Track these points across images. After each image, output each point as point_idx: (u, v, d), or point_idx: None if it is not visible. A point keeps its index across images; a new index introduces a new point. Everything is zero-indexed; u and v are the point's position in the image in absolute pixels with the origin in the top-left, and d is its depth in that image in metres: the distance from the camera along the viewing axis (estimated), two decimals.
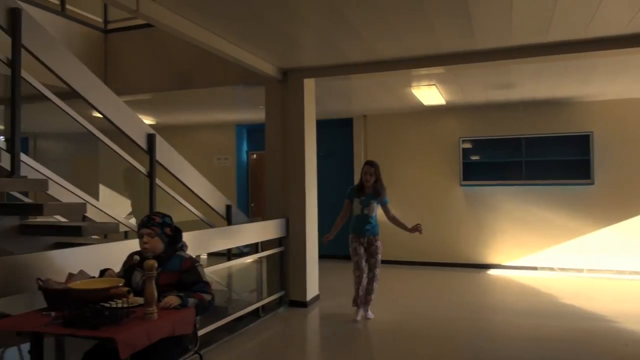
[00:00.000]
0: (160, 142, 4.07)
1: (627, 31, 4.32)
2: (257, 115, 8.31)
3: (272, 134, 5.74)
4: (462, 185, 8.04)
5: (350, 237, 4.96)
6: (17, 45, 2.90)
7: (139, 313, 2.28)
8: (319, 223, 5.94)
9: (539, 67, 5.51)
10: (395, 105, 7.86)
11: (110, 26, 6.45)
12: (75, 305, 2.24)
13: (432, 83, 6.24)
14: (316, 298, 5.85)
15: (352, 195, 5.00)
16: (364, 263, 4.88)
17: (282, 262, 5.64)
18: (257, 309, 5.15)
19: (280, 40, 4.61)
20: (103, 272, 2.63)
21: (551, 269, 7.59)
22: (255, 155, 9.86)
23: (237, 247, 5.09)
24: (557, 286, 6.66)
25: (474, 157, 8.01)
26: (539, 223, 7.63)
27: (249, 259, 5.26)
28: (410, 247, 7.99)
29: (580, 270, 7.41)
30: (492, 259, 7.93)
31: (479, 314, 5.33)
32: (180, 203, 4.45)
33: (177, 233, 2.73)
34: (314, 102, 5.84)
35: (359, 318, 4.99)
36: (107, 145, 3.68)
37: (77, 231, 3.24)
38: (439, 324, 4.95)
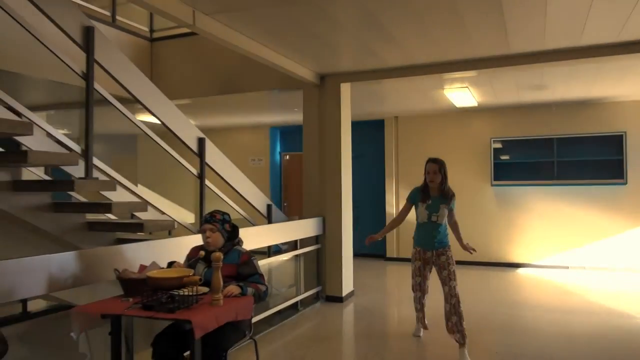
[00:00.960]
0: (209, 145, 4.36)
1: None
2: (291, 117, 8.62)
3: (309, 135, 6.00)
4: (493, 185, 8.14)
5: (413, 252, 4.23)
6: (90, 60, 3.22)
7: (206, 300, 2.55)
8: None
9: (571, 69, 5.60)
10: (427, 107, 8.01)
11: (156, 35, 6.81)
12: (150, 291, 2.53)
13: (464, 85, 6.39)
14: (351, 294, 6.08)
15: (416, 198, 4.14)
16: (426, 284, 4.22)
17: (319, 259, 5.89)
18: (296, 303, 5.41)
19: (319, 47, 4.85)
20: (170, 264, 2.92)
21: (583, 267, 7.63)
22: (288, 157, 10.15)
23: (275, 245, 5.35)
24: (588, 284, 6.72)
25: (505, 158, 8.11)
26: (570, 222, 7.68)
27: (288, 256, 5.51)
28: None
29: (613, 270, 7.44)
30: (523, 257, 8.01)
31: (512, 309, 5.47)
32: (226, 202, 4.74)
33: (235, 229, 3.00)
34: (349, 105, 6.07)
35: (420, 334, 4.50)
36: (162, 147, 3.99)
37: (139, 227, 3.55)
38: (473, 320, 5.11)
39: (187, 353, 2.76)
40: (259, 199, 5.26)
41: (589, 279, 7.11)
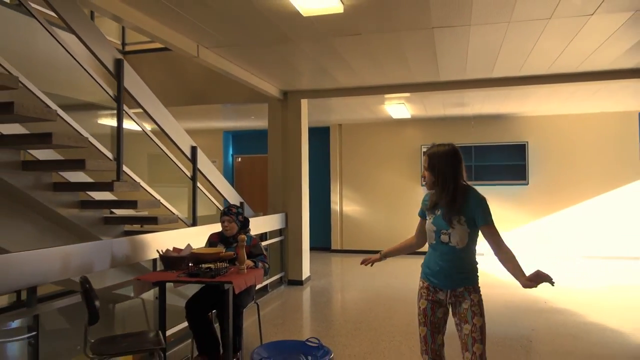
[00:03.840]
0: (200, 153, 5.21)
1: (549, 72, 5.84)
2: (245, 123, 9.50)
3: (274, 142, 6.95)
4: (422, 185, 9.51)
5: (419, 286, 2.66)
6: (120, 86, 4.01)
7: (233, 270, 3.48)
8: None
9: (486, 92, 6.99)
10: (368, 117, 9.22)
11: (128, 48, 7.44)
12: (190, 265, 3.42)
13: (401, 102, 7.64)
14: (309, 278, 7.12)
15: (423, 209, 2.66)
16: (440, 337, 2.61)
17: (282, 248, 6.87)
18: (265, 285, 6.35)
19: (287, 70, 5.83)
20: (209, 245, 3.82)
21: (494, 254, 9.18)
22: (240, 159, 10.99)
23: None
24: (499, 269, 8.20)
25: None
26: None
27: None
28: (374, 237, 9.44)
29: (518, 257, 9.02)
30: None
31: None
32: (209, 199, 5.60)
33: (246, 220, 3.94)
34: (307, 116, 7.10)
35: None
36: (165, 154, 4.80)
37: (155, 220, 4.36)
38: (405, 296, 6.33)
39: (211, 312, 3.68)
40: (234, 197, 6.15)
41: (499, 264, 8.61)
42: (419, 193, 9.61)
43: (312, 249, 9.71)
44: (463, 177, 2.51)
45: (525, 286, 2.48)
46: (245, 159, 10.93)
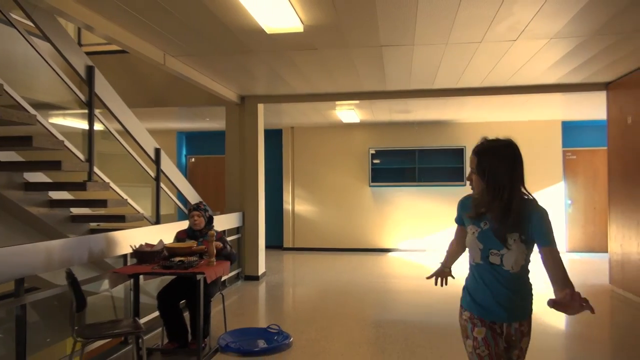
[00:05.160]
0: (163, 155, 5.49)
1: (483, 85, 6.53)
2: (199, 124, 9.73)
3: (231, 144, 7.28)
4: (370, 186, 10.10)
5: (462, 315, 2.09)
6: (91, 92, 4.25)
7: (203, 262, 3.83)
8: None
9: (428, 100, 7.63)
10: (320, 121, 9.70)
11: (85, 49, 7.52)
12: (163, 259, 3.74)
13: (351, 107, 8.16)
14: (264, 274, 7.50)
15: (463, 213, 2.20)
16: None
17: (239, 246, 7.21)
18: (224, 280, 6.68)
19: (245, 77, 6.18)
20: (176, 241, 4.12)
21: (436, 250, 9.92)
22: (193, 159, 11.18)
23: None
24: (439, 261, 8.91)
25: (380, 164, 10.11)
26: (427, 215, 9.93)
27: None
28: (325, 235, 9.96)
29: None
30: (392, 244, 10.09)
31: (384, 279, 7.34)
32: (171, 198, 5.87)
33: (211, 217, 4.29)
34: (263, 120, 7.47)
35: None
36: (131, 155, 5.04)
37: (122, 219, 4.62)
38: (354, 289, 6.86)
39: (182, 302, 4.02)
40: (194, 197, 6.44)
41: (441, 258, 9.34)
42: (367, 193, 10.20)
43: (265, 247, 10.10)
44: (523, 183, 1.98)
45: (559, 302, 1.75)
46: (199, 160, 11.14)
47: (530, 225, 1.91)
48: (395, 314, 5.55)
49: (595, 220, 9.61)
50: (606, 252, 6.94)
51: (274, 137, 10.58)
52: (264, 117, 8.17)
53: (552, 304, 1.74)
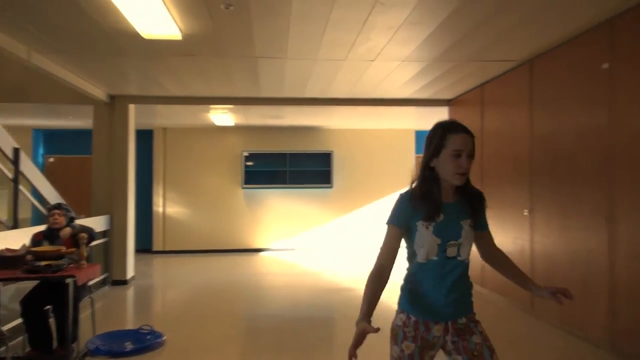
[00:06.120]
0: (23, 156, 5.18)
1: (349, 96, 7.17)
2: (60, 122, 9.13)
3: (99, 144, 7.01)
4: (243, 188, 10.33)
5: (399, 321, 1.87)
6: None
7: (73, 265, 3.77)
8: None
9: (299, 108, 8.10)
10: (193, 123, 9.68)
11: None
12: (27, 263, 3.61)
13: (225, 111, 8.33)
14: (133, 278, 7.33)
15: (408, 214, 1.84)
16: None
17: (107, 250, 6.97)
18: (89, 286, 6.40)
19: (115, 75, 6.03)
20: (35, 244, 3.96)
21: (304, 248, 10.49)
22: (52, 159, 10.39)
23: None
24: (307, 260, 9.49)
25: (253, 166, 10.40)
26: (297, 216, 10.45)
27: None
28: (197, 238, 10.01)
29: (325, 249, 10.49)
30: (264, 244, 10.44)
31: (257, 277, 7.64)
32: (31, 200, 5.54)
33: (73, 217, 4.21)
34: (134, 121, 7.31)
35: None
36: None
37: None
38: (227, 288, 7.07)
39: (47, 307, 3.90)
40: (55, 198, 6.11)
41: (309, 256, 9.93)
42: (240, 194, 10.41)
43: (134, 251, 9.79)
44: None
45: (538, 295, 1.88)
46: (59, 160, 10.38)
47: (480, 209, 1.89)
48: (266, 309, 5.88)
49: None
50: None
51: (145, 138, 10.27)
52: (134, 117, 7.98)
53: (553, 294, 1.80)
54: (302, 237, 10.49)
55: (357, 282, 7.23)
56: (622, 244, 3.75)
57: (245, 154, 10.33)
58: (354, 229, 10.55)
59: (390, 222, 1.86)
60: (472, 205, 1.87)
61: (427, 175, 1.85)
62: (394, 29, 4.19)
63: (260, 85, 6.43)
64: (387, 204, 10.55)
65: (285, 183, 10.34)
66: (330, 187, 10.43)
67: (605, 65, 3.94)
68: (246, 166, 10.32)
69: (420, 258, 1.82)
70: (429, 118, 9.07)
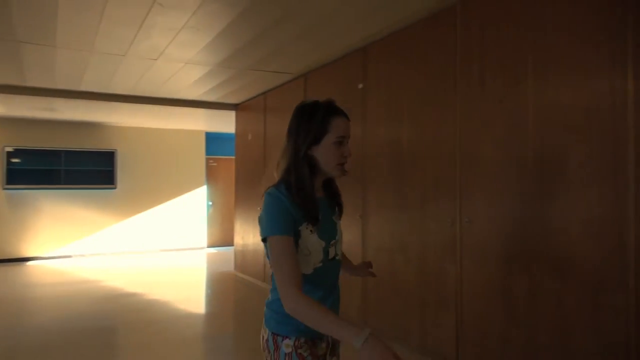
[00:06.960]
0: None
1: (134, 93, 6.86)
2: None
3: None
4: (5, 189, 8.97)
5: (283, 346, 1.53)
6: None
7: None
8: None
9: (77, 101, 7.40)
10: None
11: None
12: None
13: None
14: None
15: (293, 216, 1.50)
16: None
17: None
18: None
19: None
20: None
21: (83, 255, 9.62)
22: None
23: None
24: (86, 268, 8.74)
25: (19, 164, 9.10)
26: (74, 219, 9.52)
27: None
28: None
29: (108, 254, 9.78)
30: (34, 252, 9.23)
31: (27, 289, 6.75)
32: None
33: None
34: None
35: None
36: None
37: None
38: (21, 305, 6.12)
39: None
40: None
41: (88, 263, 9.14)
42: (1, 197, 9.02)
43: None
44: None
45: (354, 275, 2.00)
46: None
47: (340, 204, 1.74)
48: (32, 324, 5.26)
49: (230, 219, 11.22)
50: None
51: None
52: None
53: (359, 273, 1.96)
54: (81, 243, 9.60)
55: (141, 286, 6.97)
56: (371, 238, 4.46)
57: (9, 149, 8.99)
58: (140, 231, 10.08)
59: (279, 232, 1.43)
60: (337, 200, 1.70)
61: (304, 167, 1.53)
62: (175, 30, 4.20)
63: (25, 73, 5.71)
64: (178, 205, 10.40)
65: (60, 183, 9.32)
66: (114, 188, 9.78)
67: (360, 86, 4.63)
68: (9, 163, 8.98)
69: (306, 269, 1.51)
70: (219, 121, 9.30)
